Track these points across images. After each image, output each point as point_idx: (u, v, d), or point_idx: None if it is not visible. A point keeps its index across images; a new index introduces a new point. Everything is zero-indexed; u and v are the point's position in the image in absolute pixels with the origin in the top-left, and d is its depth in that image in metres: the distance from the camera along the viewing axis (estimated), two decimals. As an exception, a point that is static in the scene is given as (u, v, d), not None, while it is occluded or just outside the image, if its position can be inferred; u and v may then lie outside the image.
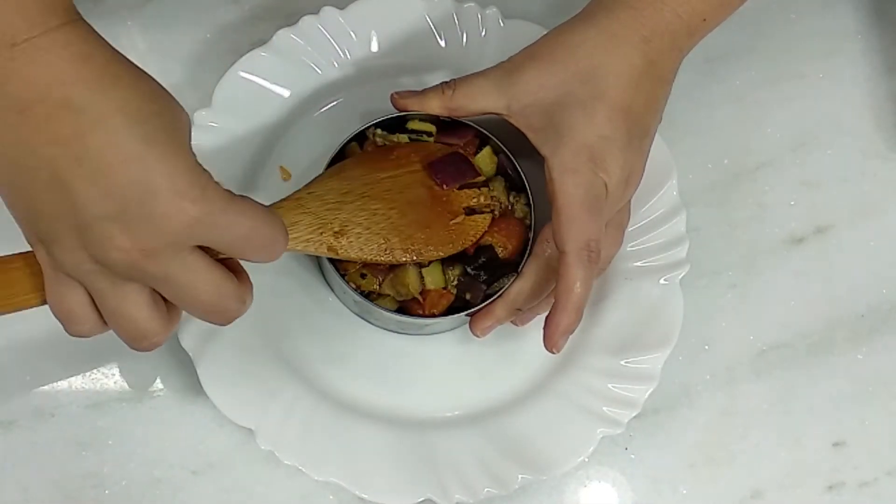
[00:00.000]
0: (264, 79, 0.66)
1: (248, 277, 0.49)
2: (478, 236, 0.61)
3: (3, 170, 0.43)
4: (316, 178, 0.58)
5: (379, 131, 0.62)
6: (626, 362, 0.63)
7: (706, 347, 0.68)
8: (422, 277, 0.60)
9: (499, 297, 0.60)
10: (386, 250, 0.58)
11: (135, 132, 0.42)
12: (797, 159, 0.72)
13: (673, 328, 0.64)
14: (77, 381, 0.64)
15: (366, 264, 0.60)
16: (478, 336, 0.61)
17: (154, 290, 0.46)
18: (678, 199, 0.66)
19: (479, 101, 0.60)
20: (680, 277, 0.65)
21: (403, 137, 0.62)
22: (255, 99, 0.66)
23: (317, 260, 0.65)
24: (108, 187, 0.41)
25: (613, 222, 0.59)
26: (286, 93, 0.67)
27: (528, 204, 0.62)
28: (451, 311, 0.61)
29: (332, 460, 0.60)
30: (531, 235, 0.61)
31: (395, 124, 0.63)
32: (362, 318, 0.65)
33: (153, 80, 0.46)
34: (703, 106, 0.72)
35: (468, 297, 0.61)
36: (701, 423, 0.67)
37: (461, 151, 0.62)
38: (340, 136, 0.61)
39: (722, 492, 0.66)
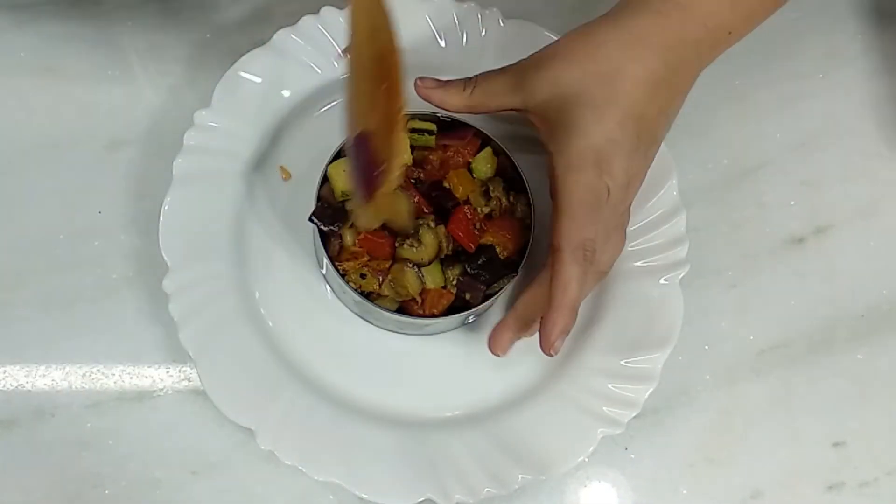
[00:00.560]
0: (264, 79, 0.66)
1: None
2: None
3: None
4: None
5: None
6: (626, 362, 0.63)
7: (706, 347, 0.68)
8: (421, 277, 0.60)
9: (497, 297, 0.60)
10: None
11: None
12: (797, 159, 0.72)
13: (673, 328, 0.64)
14: (77, 381, 0.64)
15: (365, 264, 0.60)
16: (498, 356, 0.61)
17: None
18: (678, 199, 0.66)
19: (497, 98, 0.59)
20: (680, 277, 0.65)
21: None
22: (254, 99, 0.66)
23: (316, 260, 0.65)
24: None
25: (615, 227, 0.59)
26: (286, 92, 0.67)
27: (528, 204, 0.62)
28: (450, 311, 0.61)
29: (331, 460, 0.60)
30: (531, 235, 0.61)
31: None
32: (362, 318, 0.65)
33: None
34: (703, 106, 0.72)
35: (468, 297, 0.61)
36: (701, 423, 0.67)
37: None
38: (340, 136, 0.61)
39: (722, 492, 0.66)
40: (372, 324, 0.65)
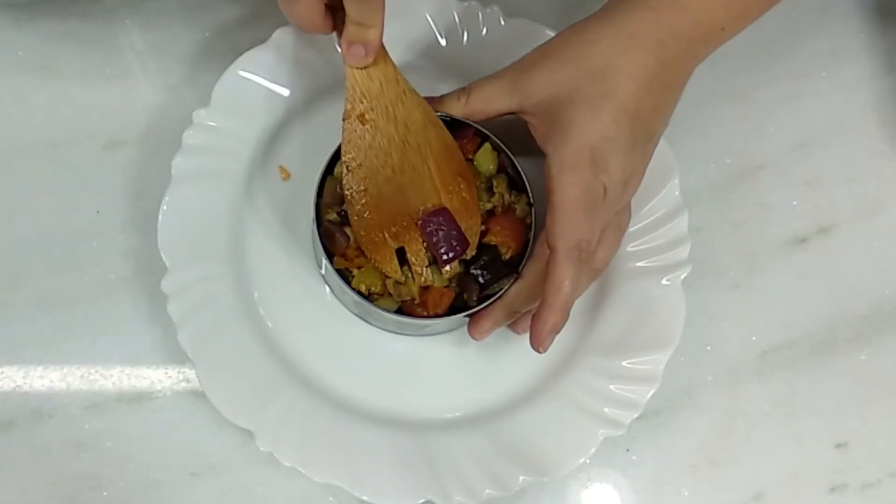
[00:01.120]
0: (263, 78, 0.66)
1: None
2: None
3: None
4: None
5: None
6: (627, 363, 0.63)
7: (708, 348, 0.67)
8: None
9: (497, 298, 0.60)
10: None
11: None
12: (800, 159, 0.72)
13: (675, 329, 0.64)
14: (75, 382, 0.64)
15: (364, 265, 0.60)
16: (476, 339, 0.61)
17: None
18: (680, 199, 0.66)
19: (493, 104, 0.59)
20: (682, 278, 0.64)
21: None
22: (254, 98, 0.66)
23: (316, 260, 0.65)
24: None
25: (612, 224, 0.59)
26: (285, 92, 0.66)
27: (529, 203, 0.62)
28: (450, 311, 0.60)
29: (331, 462, 0.60)
30: (531, 235, 0.61)
31: None
32: (362, 319, 0.65)
33: None
34: (704, 105, 0.71)
35: (465, 296, 0.60)
36: (703, 424, 0.66)
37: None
38: (340, 135, 0.61)
39: (724, 493, 0.66)
40: (371, 325, 0.65)
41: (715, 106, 0.72)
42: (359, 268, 0.60)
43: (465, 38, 0.68)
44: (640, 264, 0.65)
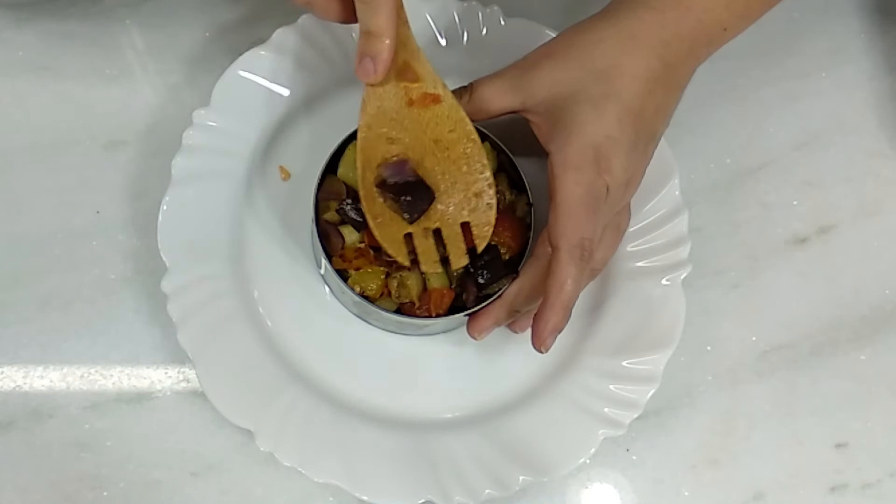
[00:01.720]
0: (263, 78, 0.66)
1: None
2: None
3: None
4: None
5: None
6: (627, 363, 0.63)
7: (708, 348, 0.67)
8: (426, 280, 0.60)
9: (496, 298, 0.60)
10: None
11: None
12: (800, 159, 0.72)
13: (675, 329, 0.64)
14: (75, 383, 0.64)
15: (364, 265, 0.60)
16: (475, 338, 0.61)
17: None
18: (680, 199, 0.66)
19: (496, 102, 0.59)
20: (682, 278, 0.64)
21: None
22: (254, 98, 0.66)
23: (315, 260, 0.65)
24: None
25: (611, 224, 0.59)
26: (285, 92, 0.66)
27: (528, 203, 0.62)
28: (450, 311, 0.60)
29: (331, 462, 0.60)
30: (531, 235, 0.61)
31: None
32: (361, 319, 0.65)
33: None
34: (705, 105, 0.71)
35: (464, 296, 0.60)
36: (703, 424, 0.66)
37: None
38: (340, 135, 0.61)
39: (724, 493, 0.66)
40: (371, 324, 0.65)
41: (715, 106, 0.72)
42: (357, 269, 0.60)
43: (465, 38, 0.68)
44: (640, 264, 0.65)
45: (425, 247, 0.59)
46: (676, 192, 0.66)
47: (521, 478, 0.60)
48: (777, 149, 0.72)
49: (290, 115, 0.67)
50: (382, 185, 0.58)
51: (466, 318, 0.61)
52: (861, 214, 0.71)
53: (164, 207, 0.63)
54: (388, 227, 0.58)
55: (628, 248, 0.65)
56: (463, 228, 0.59)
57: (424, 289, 0.60)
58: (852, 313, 0.69)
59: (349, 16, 0.55)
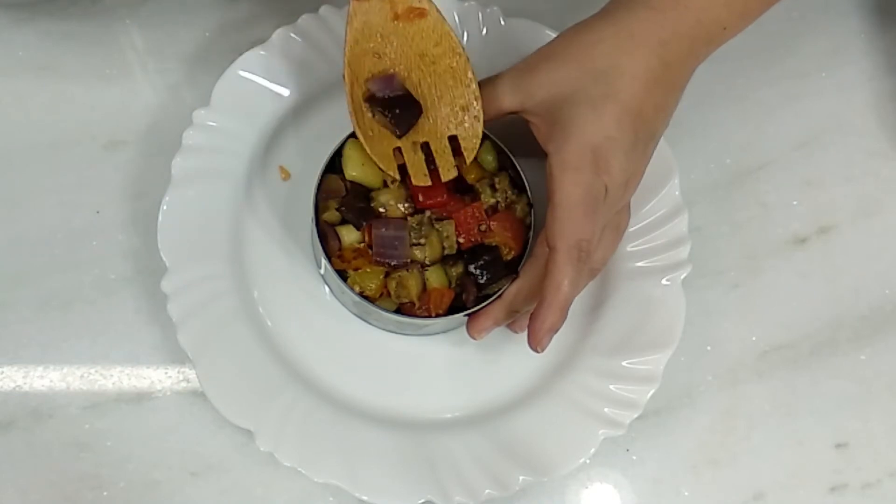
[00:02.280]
0: (263, 78, 0.66)
1: None
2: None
3: None
4: None
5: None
6: (627, 363, 0.63)
7: (708, 348, 0.67)
8: (425, 279, 0.60)
9: (496, 298, 0.60)
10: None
11: None
12: (800, 159, 0.72)
13: (675, 329, 0.64)
14: (75, 382, 0.64)
15: (363, 266, 0.60)
16: (474, 338, 0.61)
17: None
18: (680, 199, 0.66)
19: (496, 104, 0.59)
20: (682, 278, 0.64)
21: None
22: (254, 98, 0.66)
23: (315, 260, 0.65)
24: None
25: (611, 224, 0.59)
26: (285, 92, 0.66)
27: (528, 204, 0.62)
28: (450, 311, 0.60)
29: (331, 462, 0.60)
30: (531, 235, 0.61)
31: None
32: (361, 319, 0.65)
33: None
34: (705, 105, 0.71)
35: (464, 296, 0.60)
36: (703, 424, 0.66)
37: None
38: (340, 135, 0.61)
39: (724, 493, 0.66)
40: (371, 324, 0.65)
41: (715, 106, 0.72)
42: (356, 269, 0.60)
43: (465, 38, 0.68)
44: (640, 264, 0.65)
45: (414, 160, 0.60)
46: (676, 192, 0.66)
47: (521, 478, 0.60)
48: (777, 149, 0.72)
49: (290, 115, 0.67)
50: (371, 99, 0.59)
51: (466, 318, 0.61)
52: (861, 214, 0.71)
53: (164, 207, 0.63)
54: (378, 143, 0.59)
55: (628, 248, 0.65)
56: (451, 142, 0.60)
57: (424, 289, 0.60)
58: (852, 313, 0.69)
59: None
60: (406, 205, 0.61)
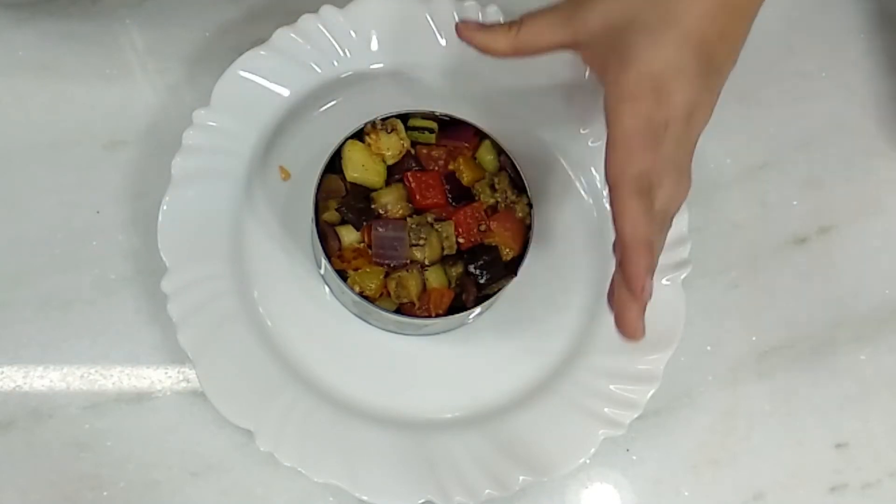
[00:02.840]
0: (263, 78, 0.66)
1: None
2: None
3: None
4: None
5: (377, 125, 0.62)
6: (627, 363, 0.63)
7: (708, 348, 0.67)
8: (424, 279, 0.60)
9: (495, 299, 0.59)
10: None
11: None
12: (800, 159, 0.72)
13: (675, 329, 0.64)
14: (75, 382, 0.64)
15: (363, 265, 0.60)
16: (636, 340, 0.52)
17: None
18: (679, 198, 0.66)
19: (546, 36, 0.56)
20: (682, 278, 0.64)
21: (400, 130, 0.62)
22: (254, 98, 0.66)
23: (315, 260, 0.65)
24: None
25: (677, 164, 0.53)
26: (285, 92, 0.66)
27: (528, 204, 0.62)
28: (450, 311, 0.60)
29: (331, 462, 0.60)
30: (531, 236, 0.61)
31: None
32: (361, 319, 0.65)
33: None
34: (704, 105, 0.71)
35: (464, 297, 0.60)
36: (703, 424, 0.66)
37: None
38: (340, 134, 0.61)
39: (724, 493, 0.66)
40: (371, 324, 0.65)
41: (716, 106, 0.72)
42: (355, 269, 0.60)
43: (465, 38, 0.68)
44: (640, 264, 0.65)
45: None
46: (676, 192, 0.66)
47: (520, 478, 0.60)
48: (777, 149, 0.72)
49: (290, 115, 0.67)
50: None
51: (465, 318, 0.61)
52: (861, 214, 0.71)
53: (164, 207, 0.63)
54: None
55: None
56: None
57: (424, 289, 0.60)
58: (852, 313, 0.69)
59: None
60: (406, 205, 0.61)
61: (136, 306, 0.65)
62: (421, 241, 0.60)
